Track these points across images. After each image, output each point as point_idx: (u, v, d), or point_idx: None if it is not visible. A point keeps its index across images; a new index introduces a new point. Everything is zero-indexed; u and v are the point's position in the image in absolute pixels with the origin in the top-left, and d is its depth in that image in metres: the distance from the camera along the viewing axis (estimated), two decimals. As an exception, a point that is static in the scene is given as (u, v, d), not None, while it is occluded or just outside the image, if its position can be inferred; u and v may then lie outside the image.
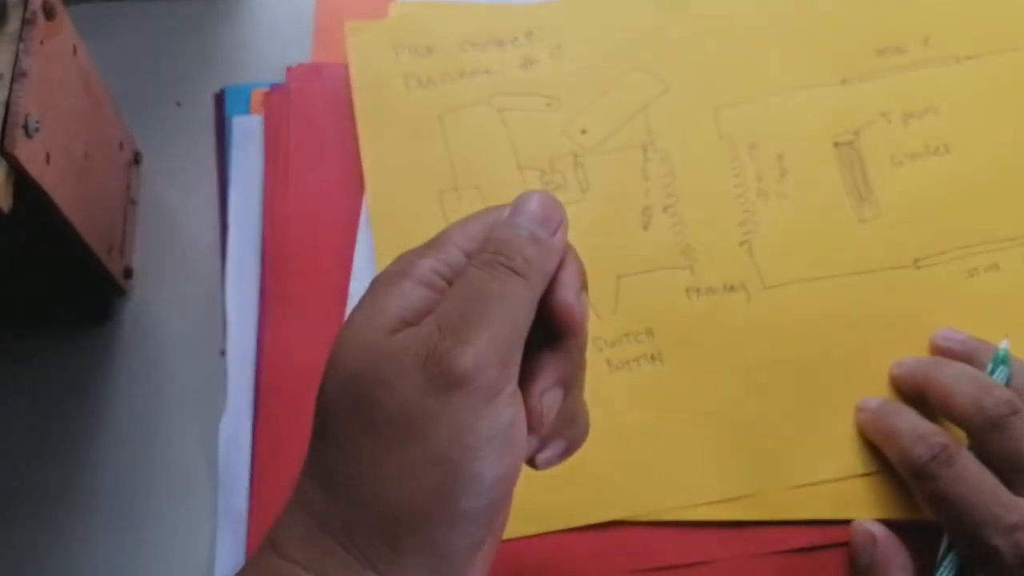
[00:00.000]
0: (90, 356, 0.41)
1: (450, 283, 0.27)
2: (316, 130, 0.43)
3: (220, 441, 0.39)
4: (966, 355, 0.37)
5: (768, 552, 0.36)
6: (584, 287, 0.29)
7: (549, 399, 0.27)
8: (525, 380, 0.27)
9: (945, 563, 0.33)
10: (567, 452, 0.30)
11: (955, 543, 0.33)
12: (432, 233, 0.40)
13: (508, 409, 0.25)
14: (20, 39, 0.32)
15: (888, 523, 0.36)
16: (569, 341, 0.28)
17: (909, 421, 0.35)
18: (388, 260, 0.39)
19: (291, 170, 0.43)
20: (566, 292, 0.27)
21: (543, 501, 0.36)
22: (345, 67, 0.44)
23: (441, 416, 0.24)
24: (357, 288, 0.40)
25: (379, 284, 0.27)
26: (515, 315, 0.26)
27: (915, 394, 0.37)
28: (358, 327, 0.26)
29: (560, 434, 0.29)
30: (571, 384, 0.29)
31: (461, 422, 0.24)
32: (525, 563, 0.36)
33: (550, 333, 0.28)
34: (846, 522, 0.36)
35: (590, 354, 0.38)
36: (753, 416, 0.38)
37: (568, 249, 0.29)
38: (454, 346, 0.24)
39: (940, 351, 0.38)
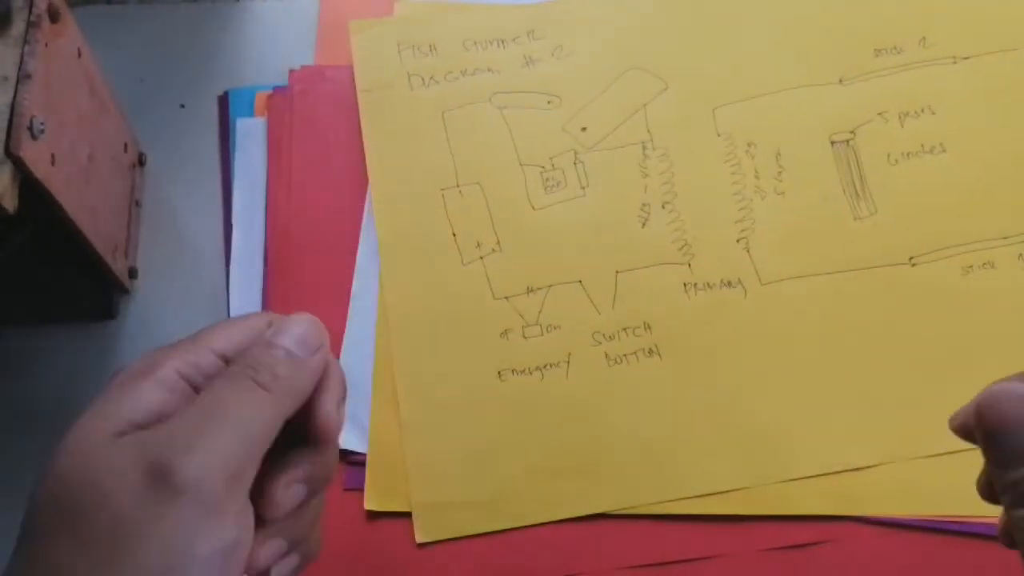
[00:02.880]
0: (95, 355, 0.41)
1: (197, 389, 0.25)
2: (318, 132, 0.43)
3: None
4: None
5: (766, 548, 0.36)
6: (343, 399, 0.28)
7: (292, 493, 0.25)
8: (273, 473, 0.25)
9: None
10: (299, 569, 0.27)
11: None
12: (434, 228, 0.41)
13: (233, 528, 0.23)
14: (25, 42, 0.32)
15: (885, 520, 0.36)
16: (326, 449, 0.26)
17: None
18: (391, 255, 0.41)
19: (294, 171, 0.43)
20: (326, 403, 0.26)
21: (540, 493, 0.37)
22: (347, 69, 0.44)
23: (156, 529, 0.22)
24: (359, 287, 0.40)
25: (116, 382, 0.25)
26: (251, 429, 0.24)
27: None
28: (81, 430, 0.23)
29: (295, 548, 0.27)
30: (316, 490, 0.27)
31: (177, 537, 0.22)
32: (521, 557, 0.36)
33: (310, 440, 0.26)
34: (844, 518, 0.36)
35: (589, 348, 0.39)
36: (748, 410, 0.38)
37: (331, 364, 0.27)
38: (179, 455, 0.22)
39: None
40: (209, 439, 0.23)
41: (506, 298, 0.40)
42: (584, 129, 0.42)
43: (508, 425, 0.38)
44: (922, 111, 0.42)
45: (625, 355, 0.39)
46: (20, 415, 0.40)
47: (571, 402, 0.38)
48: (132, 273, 0.42)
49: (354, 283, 0.40)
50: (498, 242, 0.41)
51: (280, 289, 0.41)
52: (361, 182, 0.42)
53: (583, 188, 0.41)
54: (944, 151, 0.41)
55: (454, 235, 0.41)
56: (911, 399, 0.37)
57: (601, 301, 0.40)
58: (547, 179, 0.42)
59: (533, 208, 0.41)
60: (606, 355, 0.39)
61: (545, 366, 0.39)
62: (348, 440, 0.38)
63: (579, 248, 0.40)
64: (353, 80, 0.44)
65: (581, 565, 0.36)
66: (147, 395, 0.24)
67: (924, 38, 0.43)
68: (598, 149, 0.42)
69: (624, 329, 0.39)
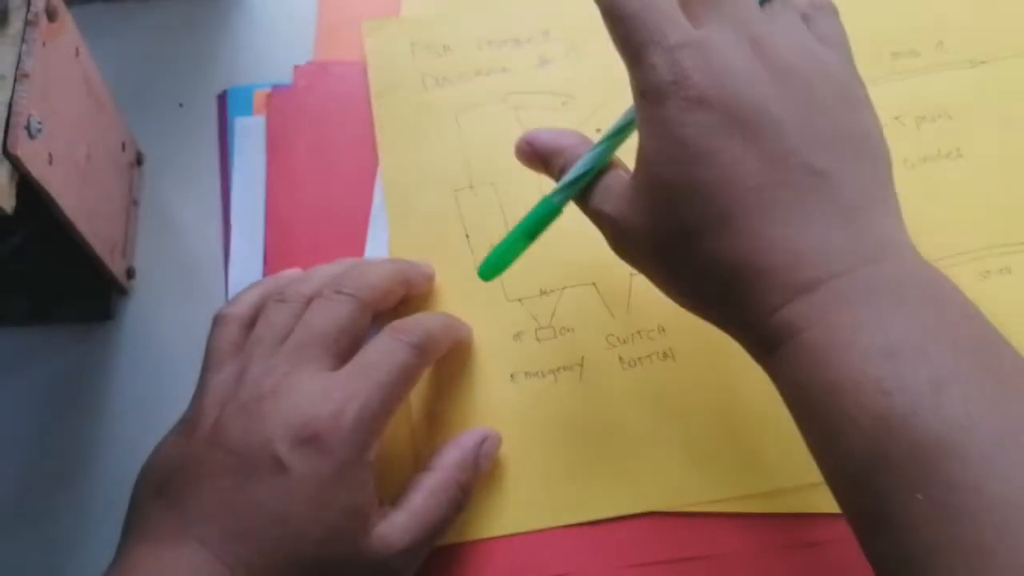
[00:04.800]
0: (92, 356, 0.40)
1: None
2: (324, 128, 0.42)
3: (222, 440, 0.38)
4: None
5: (773, 546, 0.36)
6: None
7: None
8: None
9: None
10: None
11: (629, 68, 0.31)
12: (447, 229, 0.40)
13: None
14: (22, 40, 0.31)
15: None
16: None
17: None
18: (404, 255, 0.39)
19: (298, 169, 0.42)
20: None
21: (552, 496, 0.36)
22: (353, 65, 0.44)
23: None
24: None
25: None
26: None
27: None
28: None
29: None
30: None
31: None
32: (525, 555, 0.36)
33: None
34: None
35: (603, 351, 0.38)
36: (765, 414, 0.37)
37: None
38: None
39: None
40: None
41: (519, 300, 0.39)
42: (599, 130, 0.42)
43: (520, 428, 0.37)
44: (939, 115, 0.42)
45: (639, 358, 0.38)
46: (17, 416, 0.39)
47: (584, 405, 0.38)
48: (130, 273, 0.41)
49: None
50: (512, 244, 0.40)
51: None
52: (367, 180, 0.41)
53: (596, 190, 0.41)
54: (961, 155, 0.41)
55: (467, 236, 0.40)
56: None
57: (615, 304, 0.39)
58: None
59: (547, 210, 0.41)
60: (620, 358, 0.38)
61: (558, 369, 0.38)
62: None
63: (593, 250, 0.39)
64: (359, 76, 0.43)
65: (585, 563, 0.36)
66: None
67: (941, 42, 0.43)
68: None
69: (638, 332, 0.39)
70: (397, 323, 0.34)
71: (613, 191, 0.32)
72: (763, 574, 0.35)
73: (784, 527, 0.36)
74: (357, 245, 0.41)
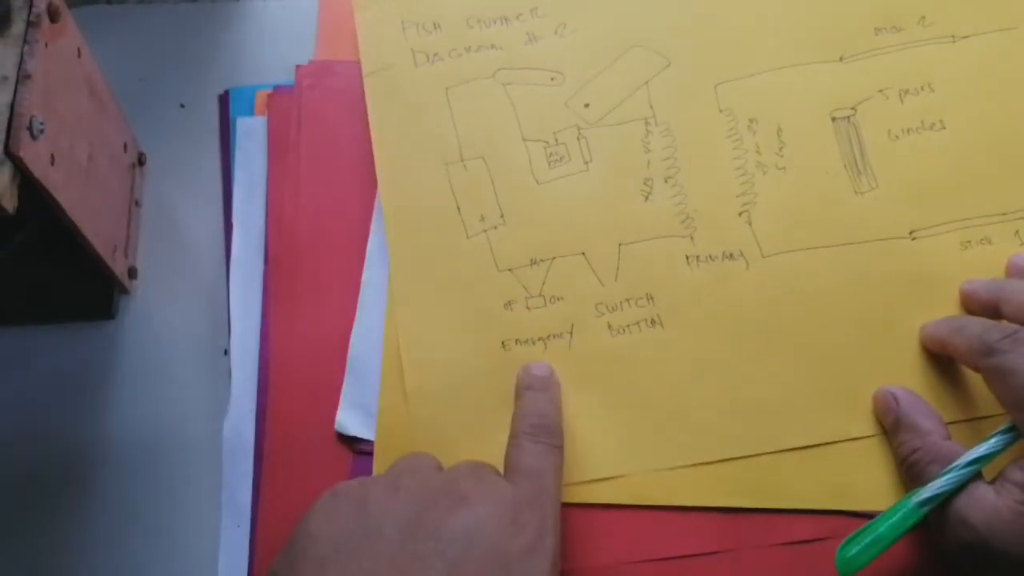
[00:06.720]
0: (95, 355, 0.41)
1: None
2: (327, 126, 0.43)
3: (223, 439, 0.38)
4: (989, 299, 0.37)
5: (772, 543, 0.36)
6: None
7: None
8: None
9: (995, 438, 0.34)
10: None
11: (1015, 419, 0.33)
12: (438, 202, 0.41)
13: None
14: (25, 42, 0.31)
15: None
16: None
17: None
18: (397, 230, 0.40)
19: (302, 167, 0.42)
20: None
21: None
22: (355, 64, 0.44)
23: None
24: (370, 276, 0.40)
25: None
26: None
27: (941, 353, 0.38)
28: None
29: None
30: None
31: None
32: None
33: None
34: (850, 513, 0.36)
35: (593, 318, 0.39)
36: (750, 379, 0.38)
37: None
38: None
39: (965, 296, 0.38)
40: None
41: (510, 270, 0.40)
42: (587, 105, 0.42)
43: (511, 395, 0.38)
44: (922, 88, 0.42)
45: (628, 325, 0.39)
46: (19, 415, 0.40)
47: (574, 372, 0.38)
48: (132, 273, 0.41)
49: (364, 272, 0.40)
50: (502, 216, 0.41)
51: (280, 286, 0.40)
52: (371, 174, 0.42)
53: (586, 163, 0.42)
54: (944, 127, 0.42)
55: (458, 209, 0.41)
56: (909, 370, 0.38)
57: (604, 273, 0.40)
58: (551, 154, 0.42)
59: (537, 182, 0.41)
60: (609, 325, 0.39)
61: (548, 336, 0.39)
62: (357, 428, 0.38)
63: (582, 221, 0.41)
64: (360, 74, 0.43)
65: (587, 559, 0.36)
66: None
67: (923, 17, 0.43)
68: (601, 125, 0.42)
69: (627, 300, 0.40)
70: (530, 428, 0.35)
71: (988, 505, 0.33)
72: (754, 572, 0.36)
73: (780, 524, 0.36)
74: (359, 245, 0.41)
